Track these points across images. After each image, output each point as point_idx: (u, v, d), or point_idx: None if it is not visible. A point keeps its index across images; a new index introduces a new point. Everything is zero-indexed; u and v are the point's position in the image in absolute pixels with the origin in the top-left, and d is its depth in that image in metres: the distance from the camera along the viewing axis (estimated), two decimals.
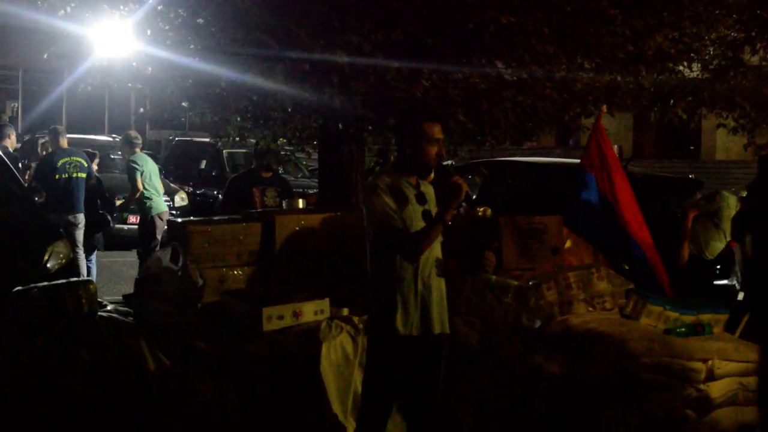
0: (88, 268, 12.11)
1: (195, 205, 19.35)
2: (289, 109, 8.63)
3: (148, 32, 8.28)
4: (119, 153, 20.77)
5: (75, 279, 6.17)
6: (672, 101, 9.05)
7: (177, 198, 18.47)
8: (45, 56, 9.33)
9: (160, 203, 12.45)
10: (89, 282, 5.90)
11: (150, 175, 12.48)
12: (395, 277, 5.31)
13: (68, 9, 8.68)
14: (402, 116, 6.08)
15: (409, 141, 5.44)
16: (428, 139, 5.30)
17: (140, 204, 12.38)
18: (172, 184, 19.45)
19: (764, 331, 6.29)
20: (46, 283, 5.80)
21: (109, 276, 12.47)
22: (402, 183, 5.34)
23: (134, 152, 12.64)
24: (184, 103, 9.28)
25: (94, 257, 12.34)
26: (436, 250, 5.36)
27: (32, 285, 5.77)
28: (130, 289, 11.36)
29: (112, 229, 12.92)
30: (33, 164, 13.64)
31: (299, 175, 14.91)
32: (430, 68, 8.14)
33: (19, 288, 5.72)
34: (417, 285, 5.30)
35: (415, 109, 7.06)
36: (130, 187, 12.41)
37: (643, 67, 8.83)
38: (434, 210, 5.32)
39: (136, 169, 12.36)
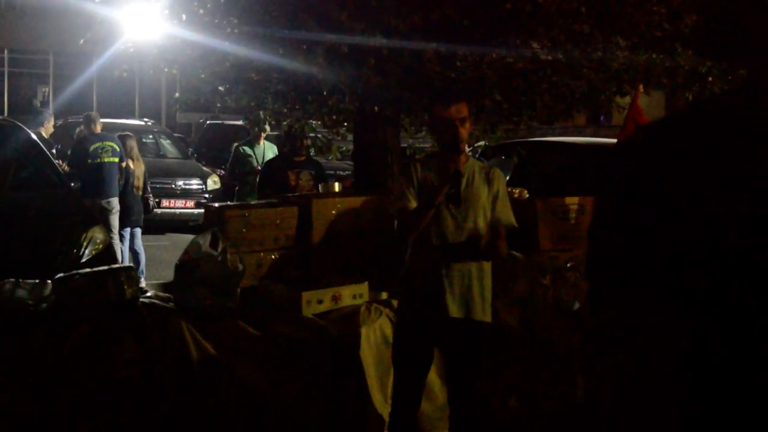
0: (136, 253, 12.14)
1: (227, 188, 19.44)
2: (325, 92, 8.61)
3: (184, 17, 8.26)
4: (150, 137, 21.00)
5: (117, 265, 6.19)
6: (710, 79, 8.93)
7: (210, 181, 18.62)
8: (81, 42, 9.32)
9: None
10: (131, 268, 5.91)
11: None
12: (407, 257, 5.41)
13: None
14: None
15: (431, 125, 5.56)
16: (442, 120, 5.32)
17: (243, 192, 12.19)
18: (204, 168, 19.57)
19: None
20: (88, 270, 5.81)
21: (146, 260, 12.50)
22: (434, 166, 5.39)
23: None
24: (220, 87, 9.26)
25: (140, 242, 12.36)
26: (460, 235, 5.34)
27: (74, 272, 5.78)
28: (166, 272, 11.45)
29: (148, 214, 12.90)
30: (69, 150, 13.69)
31: (330, 158, 14.90)
32: (466, 49, 8.09)
33: (61, 275, 5.73)
34: (427, 266, 5.33)
35: (433, 92, 7.09)
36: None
37: (679, 45, 8.72)
38: (466, 193, 5.33)
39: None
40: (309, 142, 10.45)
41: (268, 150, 12.37)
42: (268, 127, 11.18)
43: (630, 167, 2.03)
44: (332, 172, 16.92)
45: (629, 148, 2.17)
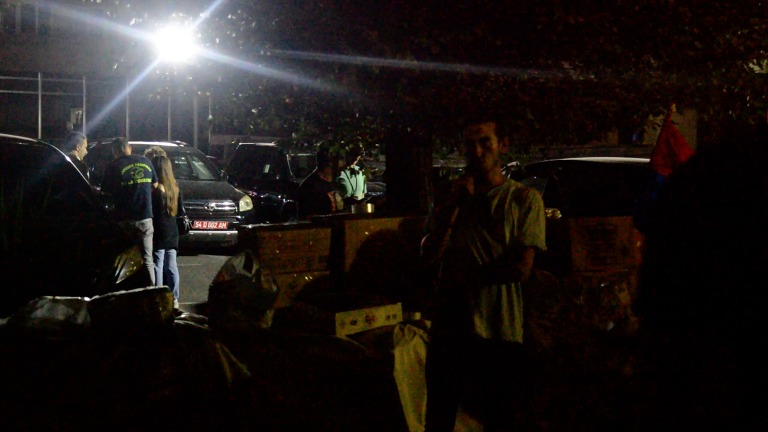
0: (171, 274, 12.16)
1: (259, 210, 19.54)
2: (357, 114, 8.65)
3: (217, 40, 8.32)
4: (183, 159, 21.17)
5: (152, 287, 6.21)
6: (748, 101, 8.86)
7: (242, 202, 18.72)
8: (115, 67, 9.40)
9: None
10: (165, 290, 5.94)
11: None
12: (439, 276, 5.41)
13: (140, 19, 8.74)
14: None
15: (462, 145, 5.59)
16: (467, 140, 5.34)
17: None
18: (236, 189, 19.70)
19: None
20: (123, 292, 5.83)
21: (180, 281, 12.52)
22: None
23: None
24: (253, 110, 9.32)
25: (174, 263, 12.37)
26: (489, 256, 5.32)
27: (109, 294, 5.81)
28: (198, 294, 11.49)
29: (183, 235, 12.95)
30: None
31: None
32: (497, 69, 8.09)
33: (97, 297, 5.76)
34: (453, 286, 5.33)
35: (461, 112, 7.10)
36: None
37: (712, 64, 8.69)
38: (496, 214, 5.32)
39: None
40: (343, 162, 10.51)
41: (359, 176, 12.47)
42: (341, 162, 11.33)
43: (679, 198, 1.95)
44: (366, 193, 16.99)
45: (679, 179, 2.07)
